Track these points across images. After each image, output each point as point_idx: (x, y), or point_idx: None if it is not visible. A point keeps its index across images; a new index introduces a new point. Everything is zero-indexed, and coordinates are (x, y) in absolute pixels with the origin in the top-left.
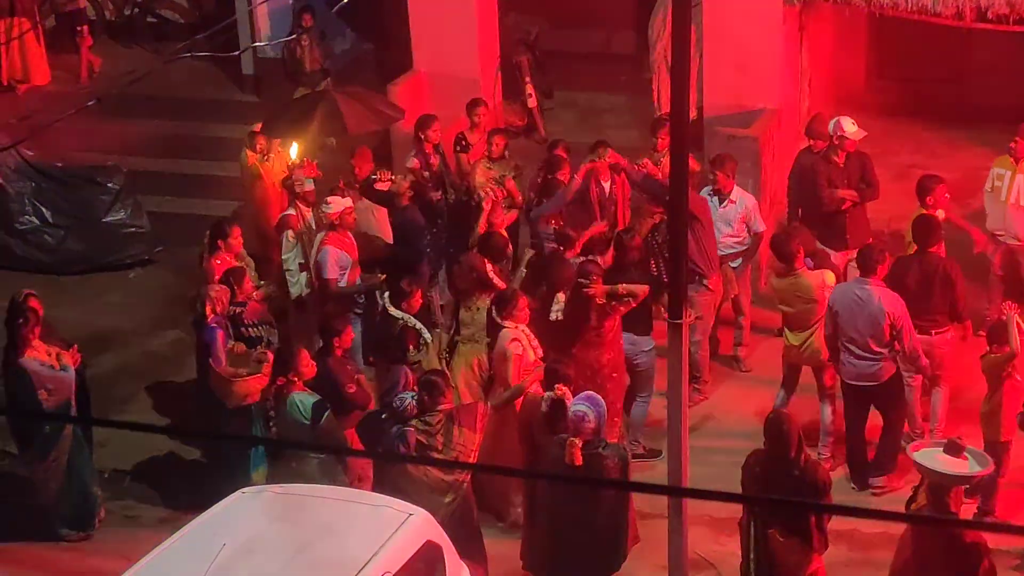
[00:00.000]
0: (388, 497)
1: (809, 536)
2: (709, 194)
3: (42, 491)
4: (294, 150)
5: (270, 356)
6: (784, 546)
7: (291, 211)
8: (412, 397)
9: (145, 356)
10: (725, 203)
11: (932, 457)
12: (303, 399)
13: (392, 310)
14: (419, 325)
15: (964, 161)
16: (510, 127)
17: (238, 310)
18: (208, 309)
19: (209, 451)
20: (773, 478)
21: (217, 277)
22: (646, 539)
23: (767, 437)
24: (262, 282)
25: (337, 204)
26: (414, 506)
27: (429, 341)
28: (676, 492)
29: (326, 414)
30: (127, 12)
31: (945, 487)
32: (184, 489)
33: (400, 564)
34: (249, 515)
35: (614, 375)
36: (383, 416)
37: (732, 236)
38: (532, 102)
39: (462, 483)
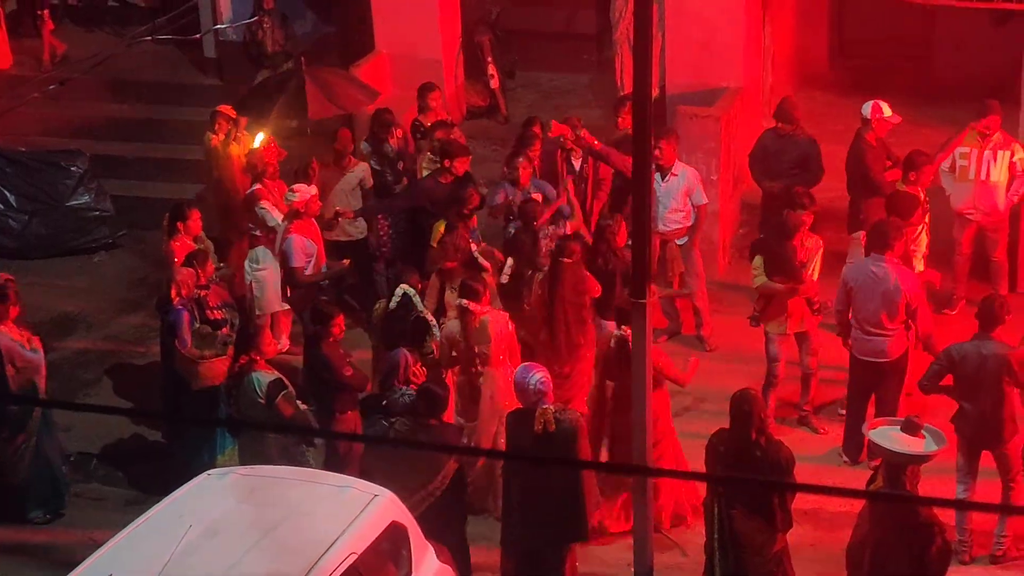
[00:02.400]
0: (353, 478)
1: (773, 515)
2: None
3: (10, 473)
4: (259, 137)
5: (232, 338)
6: (748, 526)
7: (258, 185)
8: (408, 397)
9: (110, 339)
10: (667, 177)
11: (888, 436)
12: (260, 377)
13: (419, 305)
14: (431, 318)
15: (928, 138)
16: (472, 107)
17: (202, 293)
18: (173, 291)
19: (175, 433)
20: (736, 457)
21: (177, 260)
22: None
23: (730, 416)
24: (221, 264)
25: (302, 193)
26: (379, 487)
27: (437, 335)
28: (640, 472)
29: (282, 394)
30: None
31: (901, 466)
32: (150, 471)
33: (365, 545)
34: (215, 497)
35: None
36: (383, 403)
37: (677, 211)
38: (494, 82)
39: (442, 484)
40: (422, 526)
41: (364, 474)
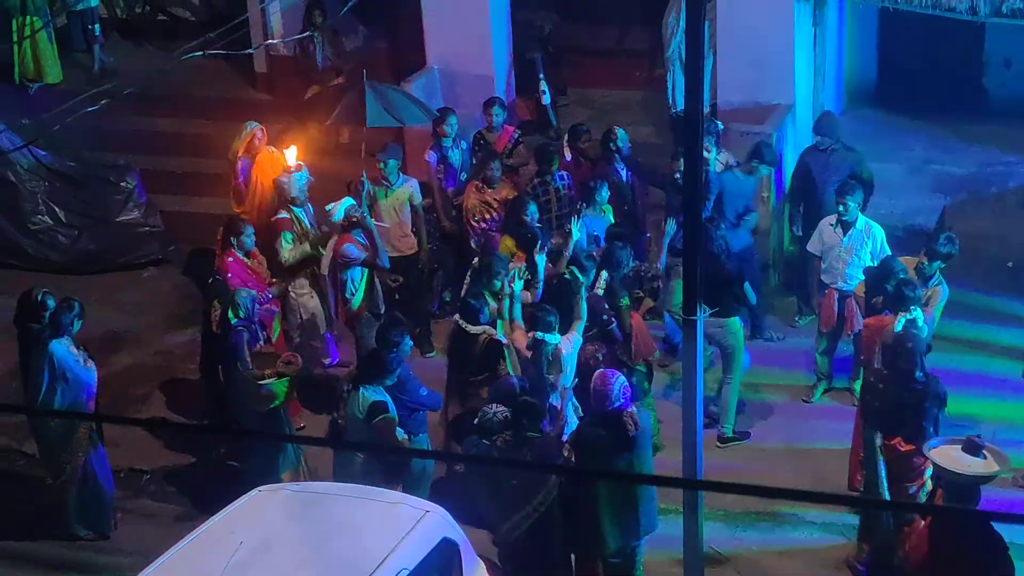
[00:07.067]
0: (404, 494)
1: (924, 438)
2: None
3: (58, 491)
4: (292, 154)
5: (298, 359)
6: (903, 455)
7: (284, 214)
8: (501, 414)
9: (160, 355)
10: (849, 230)
11: (950, 456)
12: (367, 393)
13: (469, 327)
14: (498, 335)
15: (978, 156)
16: (523, 123)
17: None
18: (233, 311)
19: (230, 450)
20: (897, 391)
21: (229, 275)
22: (662, 534)
23: (893, 354)
24: (274, 280)
25: (336, 210)
26: (430, 503)
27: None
28: (691, 485)
29: (382, 416)
30: (138, 10)
31: (963, 486)
32: (201, 487)
33: (417, 561)
34: (266, 513)
35: None
36: (475, 422)
37: (859, 266)
38: (545, 99)
39: (547, 498)
40: (527, 544)
41: (467, 497)
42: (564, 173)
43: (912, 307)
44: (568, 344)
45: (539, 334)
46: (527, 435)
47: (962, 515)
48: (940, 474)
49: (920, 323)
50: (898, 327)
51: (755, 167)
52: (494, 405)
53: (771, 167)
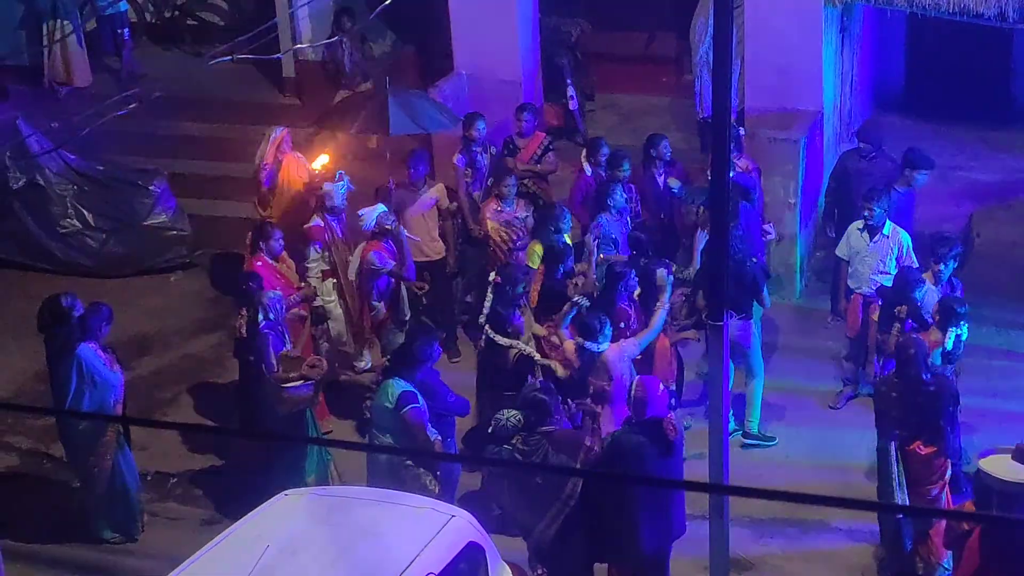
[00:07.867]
0: (430, 499)
1: (945, 440)
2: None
3: (85, 494)
4: (320, 160)
5: (324, 363)
6: (923, 459)
7: (317, 222)
8: (514, 418)
9: (187, 359)
10: (876, 236)
11: (1000, 465)
12: (396, 384)
13: (500, 339)
14: (529, 349)
15: (1006, 163)
16: (550, 128)
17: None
18: (263, 314)
19: (254, 453)
20: (912, 396)
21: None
22: (688, 539)
23: (898, 361)
24: (302, 284)
25: (369, 217)
26: (456, 507)
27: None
28: (715, 489)
29: (412, 406)
30: (167, 15)
31: (1014, 496)
32: (227, 491)
33: (442, 565)
34: (292, 517)
35: None
36: (489, 431)
37: (884, 273)
38: (573, 104)
39: (575, 490)
40: (558, 544)
41: (494, 501)
42: (632, 186)
43: (961, 322)
44: (617, 351)
45: (581, 340)
46: (539, 431)
47: (1006, 523)
48: (990, 483)
49: (964, 337)
50: (948, 344)
51: (909, 174)
52: (505, 411)
53: (928, 169)
